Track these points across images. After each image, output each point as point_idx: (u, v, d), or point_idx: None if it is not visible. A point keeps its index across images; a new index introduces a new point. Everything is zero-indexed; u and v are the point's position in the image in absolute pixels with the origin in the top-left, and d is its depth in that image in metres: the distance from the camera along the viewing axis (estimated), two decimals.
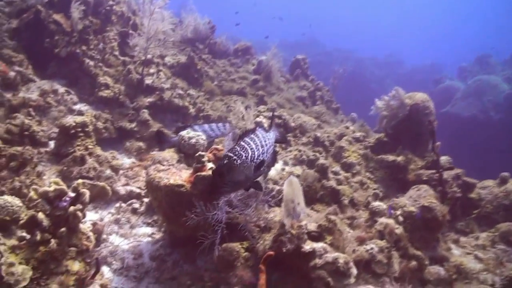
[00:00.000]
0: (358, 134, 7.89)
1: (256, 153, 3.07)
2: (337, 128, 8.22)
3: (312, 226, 4.48)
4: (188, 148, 5.34)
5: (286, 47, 26.96)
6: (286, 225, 4.15)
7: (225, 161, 2.89)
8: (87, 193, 4.07)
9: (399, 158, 7.07)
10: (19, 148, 5.61)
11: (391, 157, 7.12)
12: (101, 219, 5.66)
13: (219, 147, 5.40)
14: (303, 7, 71.69)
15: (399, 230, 4.77)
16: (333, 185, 6.04)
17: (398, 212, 5.08)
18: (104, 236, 5.21)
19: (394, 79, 30.47)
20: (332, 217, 4.51)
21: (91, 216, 5.72)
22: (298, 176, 6.20)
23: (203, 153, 4.78)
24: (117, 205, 5.94)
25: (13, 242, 3.95)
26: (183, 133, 5.40)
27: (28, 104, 6.98)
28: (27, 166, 5.51)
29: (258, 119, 7.38)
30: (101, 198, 5.74)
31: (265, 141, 3.27)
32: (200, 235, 4.31)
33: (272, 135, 3.60)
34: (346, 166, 7.04)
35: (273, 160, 3.54)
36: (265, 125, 7.58)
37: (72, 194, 4.16)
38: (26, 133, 6.29)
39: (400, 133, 7.44)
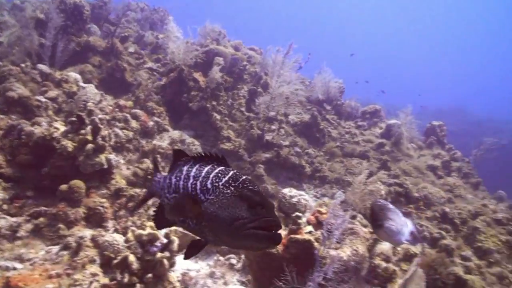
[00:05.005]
0: (500, 216, 6.49)
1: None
2: (472, 205, 6.93)
3: None
4: (288, 208, 5.03)
5: (426, 114, 25.11)
6: None
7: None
8: (175, 241, 4.05)
9: None
10: (138, 190, 6.08)
11: None
12: (198, 270, 5.63)
13: (323, 210, 4.96)
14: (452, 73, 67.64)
15: None
16: (459, 273, 4.93)
17: None
18: None
19: None
20: None
21: (192, 265, 5.76)
22: (415, 254, 5.29)
23: (300, 214, 4.42)
24: (215, 257, 5.86)
25: (106, 280, 4.10)
26: (285, 191, 5.14)
27: (157, 151, 7.66)
28: (141, 208, 5.88)
29: (376, 185, 6.70)
30: None
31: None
32: None
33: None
34: (481, 252, 5.76)
35: None
36: (382, 192, 6.84)
37: (165, 241, 4.19)
38: (150, 177, 6.83)
39: None
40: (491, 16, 73.13)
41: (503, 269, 5.62)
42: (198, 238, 2.14)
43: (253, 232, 1.72)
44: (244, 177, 1.94)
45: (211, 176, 2.01)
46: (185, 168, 2.22)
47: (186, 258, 2.16)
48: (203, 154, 2.21)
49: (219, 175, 2.00)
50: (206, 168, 2.09)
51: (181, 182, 2.17)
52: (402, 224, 3.58)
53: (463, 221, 6.45)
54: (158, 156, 7.58)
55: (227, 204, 1.84)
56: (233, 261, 5.81)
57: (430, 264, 4.86)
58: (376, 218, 3.53)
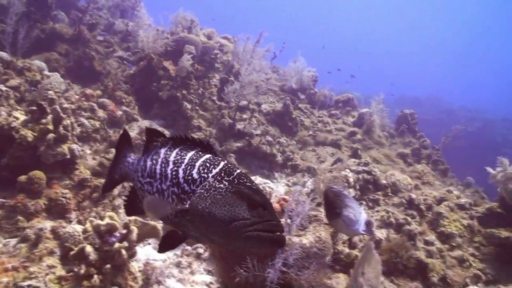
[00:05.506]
0: (463, 201, 6.65)
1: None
2: (438, 191, 7.08)
3: None
4: None
5: (403, 103, 25.57)
6: None
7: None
8: (134, 231, 3.99)
9: None
10: (103, 181, 5.94)
11: (505, 233, 5.76)
12: (165, 260, 5.57)
13: (287, 197, 4.97)
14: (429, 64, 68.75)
15: None
16: (421, 257, 5.05)
17: None
18: (161, 278, 5.05)
19: None
20: None
21: (158, 255, 5.68)
22: (379, 240, 5.39)
23: None
24: (182, 247, 5.81)
25: (62, 272, 4.01)
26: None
27: None
28: (106, 198, 5.78)
29: (343, 173, 6.77)
30: (152, 237, 5.63)
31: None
32: None
33: None
34: (444, 237, 5.90)
35: None
36: (351, 179, 6.91)
37: (124, 231, 4.12)
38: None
39: None
40: (475, 8, 74.49)
41: (464, 252, 5.78)
42: (172, 229, 1.94)
43: (257, 234, 1.61)
44: (238, 171, 1.78)
45: (197, 164, 1.83)
46: (163, 150, 2.02)
47: (161, 251, 1.99)
48: (183, 137, 2.01)
49: (208, 164, 1.81)
50: (190, 154, 1.91)
51: (158, 167, 1.98)
52: (360, 212, 3.46)
53: (428, 207, 6.58)
54: None
55: (222, 201, 1.67)
56: (200, 250, 5.77)
57: (391, 248, 4.96)
58: (333, 206, 3.36)
